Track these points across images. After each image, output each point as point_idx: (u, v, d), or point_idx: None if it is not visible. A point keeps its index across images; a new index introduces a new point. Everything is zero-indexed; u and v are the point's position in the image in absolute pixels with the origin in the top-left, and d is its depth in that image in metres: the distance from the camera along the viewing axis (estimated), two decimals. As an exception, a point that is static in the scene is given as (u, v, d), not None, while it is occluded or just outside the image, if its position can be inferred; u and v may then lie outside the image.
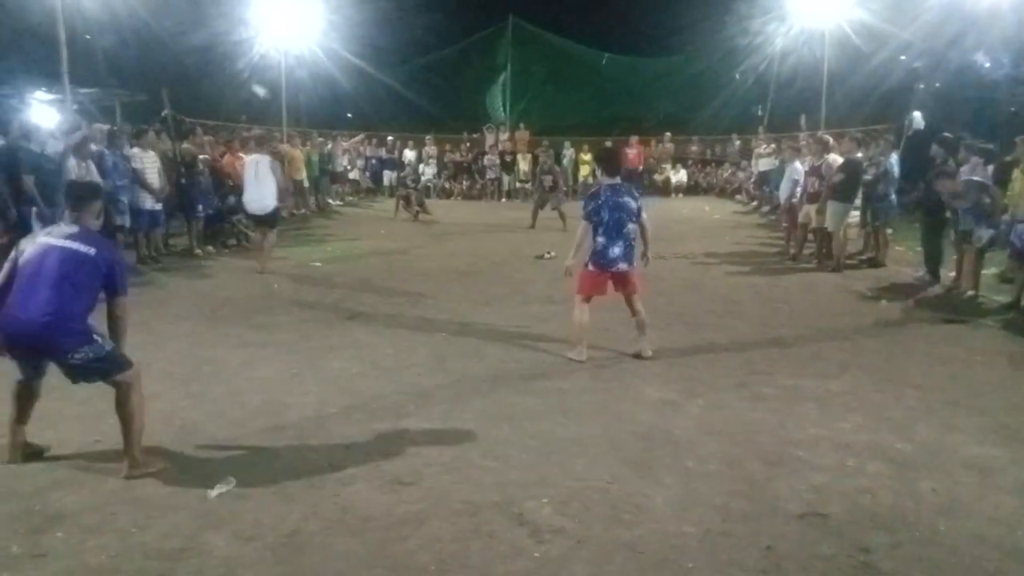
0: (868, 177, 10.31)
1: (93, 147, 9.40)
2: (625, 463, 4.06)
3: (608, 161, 6.36)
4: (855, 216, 10.62)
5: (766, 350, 6.34)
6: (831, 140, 11.00)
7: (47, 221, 8.20)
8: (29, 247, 3.86)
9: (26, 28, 14.89)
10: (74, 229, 3.91)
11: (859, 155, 10.71)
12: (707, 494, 3.71)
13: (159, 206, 10.20)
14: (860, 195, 10.34)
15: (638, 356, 5.97)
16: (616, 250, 5.80)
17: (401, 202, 16.41)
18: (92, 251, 3.82)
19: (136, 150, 10.04)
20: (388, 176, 22.01)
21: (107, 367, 3.86)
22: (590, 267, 5.88)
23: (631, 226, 5.86)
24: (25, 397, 3.97)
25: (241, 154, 12.08)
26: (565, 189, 18.19)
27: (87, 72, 16.30)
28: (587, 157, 21.70)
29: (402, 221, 15.77)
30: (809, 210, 10.60)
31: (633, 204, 5.90)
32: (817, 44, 19.45)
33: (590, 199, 5.95)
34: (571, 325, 6.02)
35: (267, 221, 9.85)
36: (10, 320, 3.72)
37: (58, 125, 11.02)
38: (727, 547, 3.25)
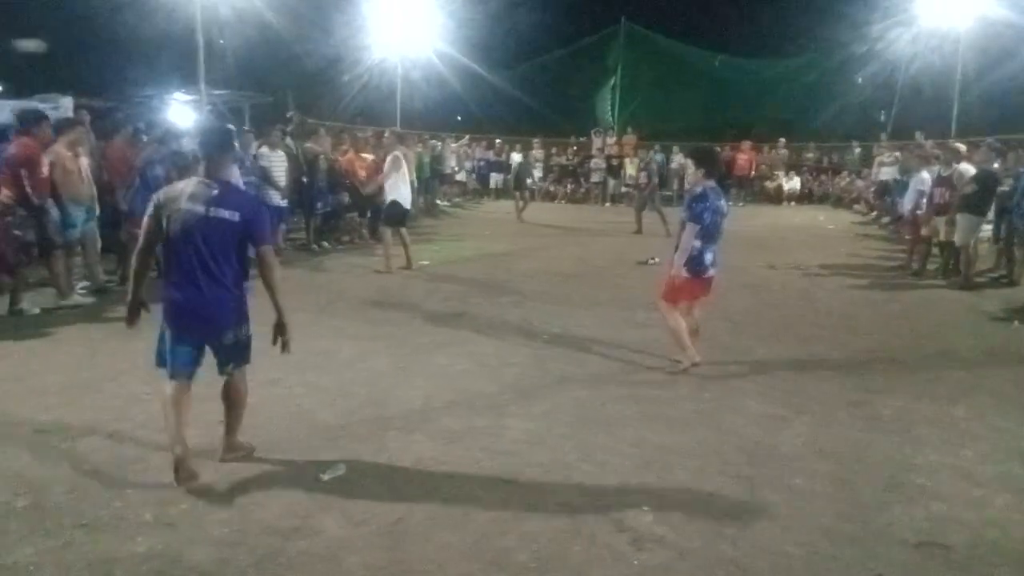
0: (1004, 189, 9.63)
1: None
2: (727, 476, 3.98)
3: (710, 161, 6.00)
4: (987, 230, 9.93)
5: (882, 369, 6.03)
6: (964, 148, 10.33)
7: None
8: (173, 212, 3.64)
9: (168, 33, 16.05)
10: (214, 191, 3.67)
11: (996, 166, 10.02)
12: (814, 514, 3.58)
13: (284, 202, 10.75)
14: (994, 209, 9.67)
15: (676, 361, 5.78)
16: (710, 255, 5.66)
17: (521, 203, 16.69)
18: (237, 216, 3.67)
19: (264, 149, 10.61)
20: (495, 178, 22.34)
21: (248, 351, 3.94)
22: (684, 273, 5.61)
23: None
24: (186, 401, 3.81)
25: (364, 155, 12.60)
26: (667, 193, 17.96)
27: (219, 75, 17.41)
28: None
29: (514, 223, 15.96)
30: (936, 222, 9.99)
31: (726, 207, 5.85)
32: (950, 46, 18.32)
33: (697, 200, 5.64)
34: (670, 333, 5.80)
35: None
36: (176, 298, 3.69)
37: (194, 124, 11.80)
38: (834, 570, 3.13)
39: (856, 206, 19.60)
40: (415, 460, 4.07)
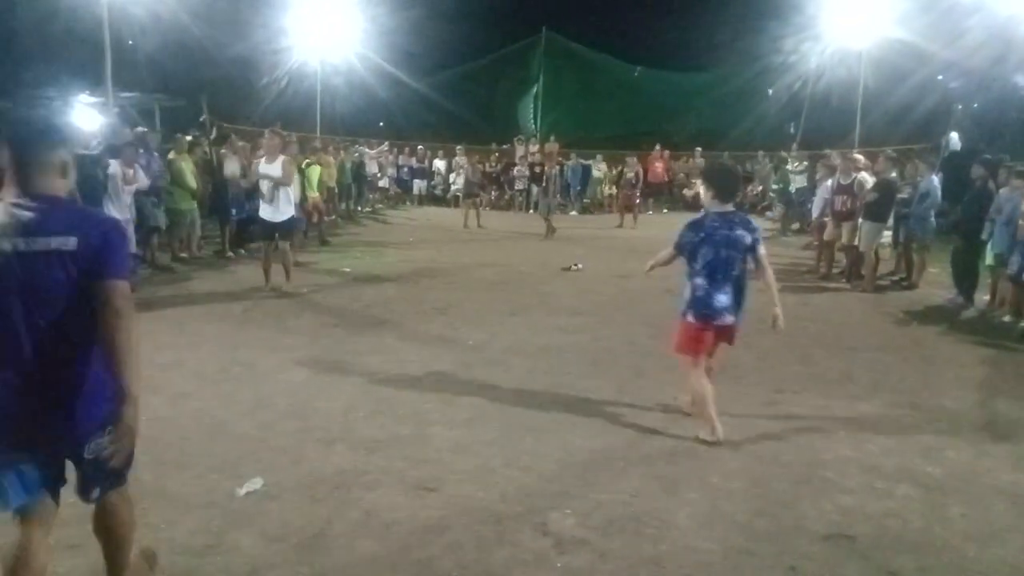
0: (903, 196, 10.19)
1: (140, 151, 9.70)
2: (649, 477, 4.05)
3: (722, 182, 4.80)
4: (887, 236, 10.50)
5: (794, 369, 6.28)
6: (862, 159, 10.90)
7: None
8: None
9: (73, 32, 15.33)
10: (29, 213, 2.36)
11: (893, 175, 10.61)
12: (731, 511, 3.69)
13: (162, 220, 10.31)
14: (893, 215, 10.23)
15: (702, 441, 4.61)
16: (723, 298, 4.57)
17: (471, 211, 16.72)
18: (72, 242, 2.37)
19: (172, 155, 10.28)
20: (417, 185, 22.23)
21: (125, 466, 2.62)
22: (690, 319, 4.65)
23: (743, 266, 4.67)
24: (42, 553, 2.50)
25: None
26: (562, 202, 18.49)
27: (129, 77, 16.74)
28: (614, 172, 21.72)
29: (438, 229, 15.90)
30: (838, 228, 10.51)
31: (747, 238, 4.60)
32: (853, 63, 19.31)
33: (690, 229, 4.70)
34: (692, 394, 4.78)
35: (281, 230, 8.63)
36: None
37: (100, 127, 11.29)
38: (751, 566, 3.23)
39: (768, 213, 20.35)
40: (336, 471, 3.99)
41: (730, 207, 4.76)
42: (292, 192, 8.86)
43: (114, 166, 8.90)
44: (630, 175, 18.19)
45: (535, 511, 3.63)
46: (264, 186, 8.46)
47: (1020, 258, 7.63)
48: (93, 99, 14.99)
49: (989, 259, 8.50)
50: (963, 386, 5.89)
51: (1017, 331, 7.58)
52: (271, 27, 19.80)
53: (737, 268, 4.63)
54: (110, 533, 2.73)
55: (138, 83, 17.41)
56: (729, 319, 4.67)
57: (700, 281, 4.62)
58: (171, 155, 10.42)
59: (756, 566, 3.23)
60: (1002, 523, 3.64)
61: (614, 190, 22.02)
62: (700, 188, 4.91)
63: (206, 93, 13.24)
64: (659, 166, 21.76)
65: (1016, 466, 4.32)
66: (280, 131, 9.25)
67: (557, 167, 16.37)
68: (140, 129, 11.55)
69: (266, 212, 8.52)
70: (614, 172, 21.60)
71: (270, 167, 8.41)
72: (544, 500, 3.75)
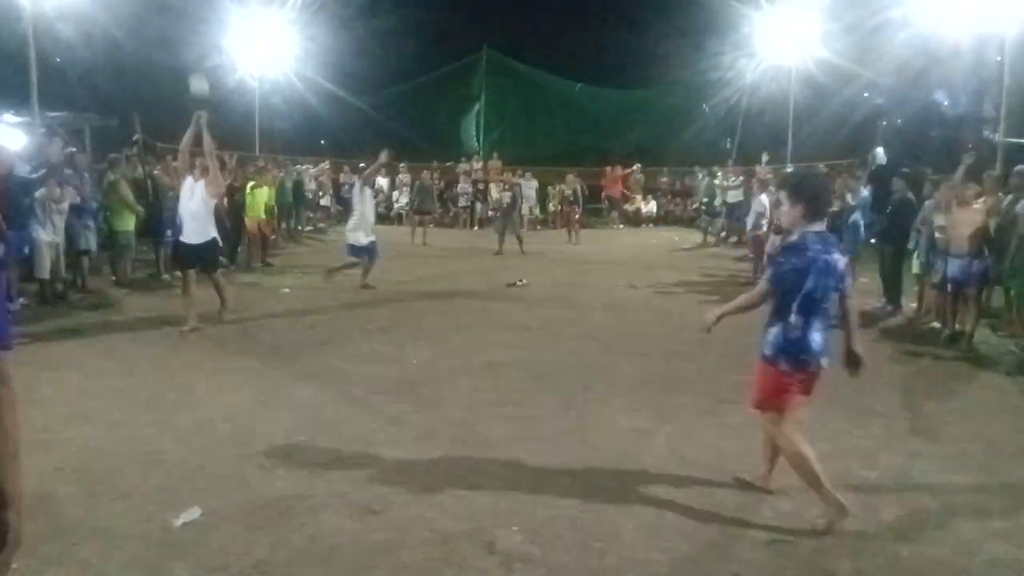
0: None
1: (67, 170, 9.37)
2: (596, 491, 4.07)
3: (815, 194, 3.90)
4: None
5: (733, 379, 6.38)
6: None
7: (11, 246, 8.10)
8: None
9: (-5, 49, 14.77)
10: None
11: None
12: (676, 521, 3.74)
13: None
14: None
15: (765, 487, 4.10)
16: (818, 337, 3.80)
17: (419, 228, 16.82)
18: None
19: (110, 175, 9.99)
20: (361, 203, 22.06)
21: None
22: (783, 366, 3.83)
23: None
24: None
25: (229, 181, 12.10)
26: (525, 215, 18.66)
27: (57, 95, 16.20)
28: (556, 188, 21.98)
29: (415, 246, 15.85)
30: (775, 240, 10.81)
31: (840, 263, 3.83)
32: (784, 80, 20.01)
33: (793, 255, 3.80)
34: (792, 466, 3.87)
35: (204, 258, 7.87)
36: None
37: (24, 147, 10.88)
38: (696, 573, 3.27)
39: (711, 229, 20.84)
40: (277, 497, 3.89)
41: (823, 226, 3.89)
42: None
43: (38, 186, 8.58)
44: (568, 192, 18.40)
45: (482, 529, 3.61)
46: (187, 207, 7.69)
47: (941, 266, 7.96)
48: (18, 119, 14.44)
49: (916, 268, 8.86)
50: (894, 391, 6.11)
51: (943, 337, 7.90)
52: (206, 45, 19.45)
53: (831, 300, 3.82)
54: None
55: (67, 102, 16.85)
56: (824, 362, 3.86)
57: (796, 319, 3.78)
58: (110, 175, 10.10)
59: (701, 573, 3.28)
60: (934, 523, 3.78)
61: (559, 207, 22.29)
62: (784, 204, 4.03)
63: (139, 111, 12.84)
64: (615, 182, 22.32)
65: (946, 467, 4.49)
66: (209, 147, 7.89)
67: (515, 188, 16.37)
68: (69, 149, 11.17)
69: (187, 235, 7.71)
70: (557, 188, 21.85)
71: (196, 184, 7.71)
72: (491, 518, 3.73)
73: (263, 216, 12.71)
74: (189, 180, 7.83)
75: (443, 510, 3.81)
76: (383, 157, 11.51)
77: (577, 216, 18.38)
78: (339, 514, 3.73)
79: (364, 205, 10.58)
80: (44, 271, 8.68)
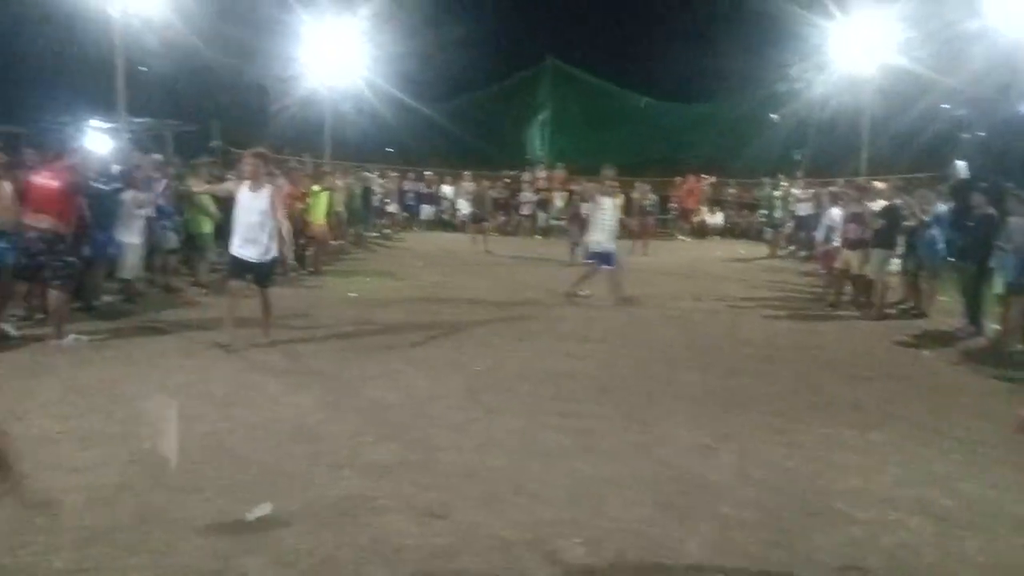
0: (910, 224, 10.20)
1: (151, 175, 9.81)
2: (658, 506, 4.02)
3: None
4: (896, 264, 10.49)
5: (804, 397, 6.24)
6: (881, 185, 10.94)
7: (97, 247, 8.50)
8: None
9: (86, 58, 15.56)
10: None
11: (898, 202, 10.63)
12: (742, 542, 3.65)
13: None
14: (903, 243, 10.24)
15: None
16: None
17: (479, 235, 16.90)
18: None
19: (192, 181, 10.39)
20: (425, 210, 22.36)
21: None
22: None
23: None
24: None
25: (301, 187, 12.48)
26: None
27: (141, 102, 16.95)
28: (618, 198, 21.82)
29: (445, 254, 15.96)
30: (849, 256, 10.50)
31: None
32: (859, 90, 19.43)
33: None
34: None
35: (260, 274, 7.21)
36: None
37: (111, 153, 11.41)
38: (763, 597, 3.19)
39: (775, 241, 20.38)
40: (344, 496, 3.97)
41: None
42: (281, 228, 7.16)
43: (123, 190, 8.99)
44: (646, 202, 18.11)
45: (544, 539, 3.60)
46: (245, 219, 6.98)
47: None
48: (105, 124, 15.16)
49: (999, 287, 8.47)
50: (975, 415, 5.84)
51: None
52: (282, 54, 20.07)
53: None
54: None
55: (150, 109, 17.62)
56: None
57: None
58: (189, 180, 10.52)
59: (768, 597, 3.20)
60: (1018, 557, 3.59)
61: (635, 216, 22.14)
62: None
63: (218, 119, 13.34)
64: (690, 193, 22.12)
65: (1030, 498, 4.27)
66: (263, 152, 7.51)
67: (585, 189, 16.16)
68: (156, 156, 11.68)
69: (247, 250, 6.99)
70: (634, 198, 21.74)
71: (255, 197, 6.97)
72: (553, 528, 3.72)
73: (323, 221, 12.94)
74: (245, 190, 7.05)
75: (505, 518, 3.81)
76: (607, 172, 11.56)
77: (650, 227, 18.14)
78: (402, 516, 3.78)
79: (603, 213, 10.42)
80: (127, 271, 9.08)
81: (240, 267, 7.11)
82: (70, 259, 7.09)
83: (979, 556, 3.58)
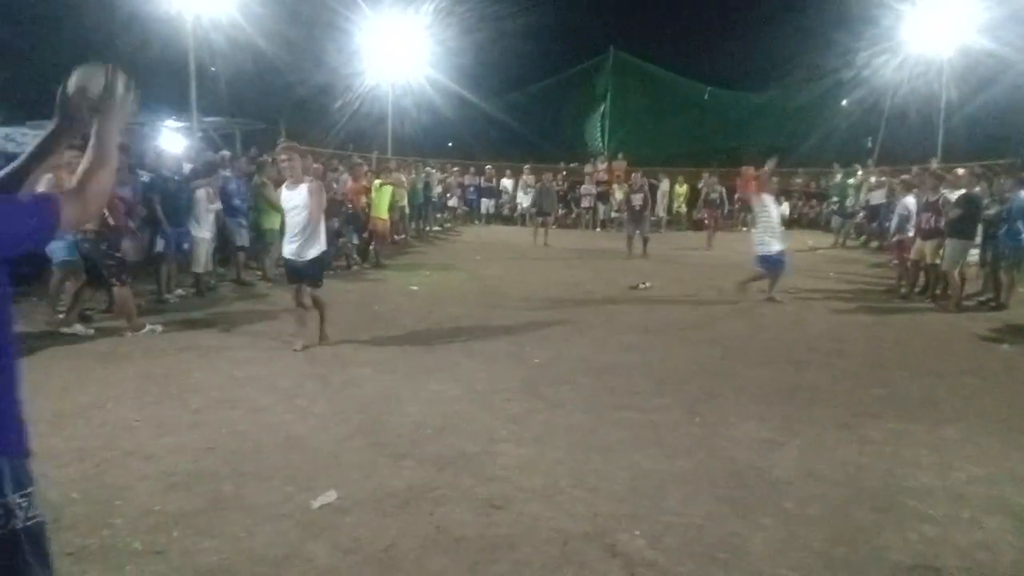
0: (990, 213, 9.75)
1: (224, 173, 10.16)
2: (720, 501, 3.97)
3: None
4: (975, 255, 10.05)
5: (873, 392, 6.05)
6: (962, 172, 10.50)
7: (170, 242, 8.85)
8: None
9: (159, 59, 16.16)
10: None
11: (977, 190, 10.17)
12: (807, 538, 3.57)
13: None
14: (981, 232, 9.81)
15: None
16: None
17: (540, 229, 16.93)
18: None
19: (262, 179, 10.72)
20: (485, 204, 22.49)
21: None
22: None
23: None
24: None
25: (364, 182, 12.75)
26: (655, 218, 18.26)
27: (211, 102, 17.53)
28: (682, 188, 21.54)
29: (505, 247, 16.04)
30: (923, 246, 10.11)
31: None
32: (934, 74, 18.66)
33: None
34: None
35: (307, 275, 6.95)
36: None
37: (185, 151, 11.85)
38: (828, 595, 3.12)
39: (843, 231, 19.77)
40: (406, 486, 4.04)
41: None
42: (322, 226, 6.91)
43: (196, 187, 9.33)
44: (714, 195, 17.78)
45: (603, 532, 3.59)
46: (288, 218, 6.84)
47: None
48: (178, 124, 15.73)
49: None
50: (1058, 412, 5.57)
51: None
52: (344, 51, 20.44)
53: None
54: None
55: (219, 108, 18.21)
56: None
57: None
58: (257, 177, 10.85)
59: (834, 596, 3.13)
60: (1104, 560, 3.42)
61: (683, 208, 21.82)
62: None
63: (284, 117, 13.71)
64: (749, 181, 21.50)
65: (1119, 499, 4.05)
66: (295, 146, 7.23)
67: (640, 179, 15.92)
68: (225, 153, 12.07)
69: (290, 250, 6.81)
70: (681, 188, 21.44)
71: (293, 194, 6.70)
72: (612, 521, 3.71)
73: (385, 215, 13.13)
74: (283, 190, 6.84)
75: (564, 510, 3.83)
76: (770, 164, 11.18)
77: (718, 219, 17.82)
78: (463, 507, 3.83)
79: (767, 212, 9.98)
80: (199, 265, 9.44)
81: (289, 269, 7.03)
82: (117, 255, 7.34)
83: (1061, 559, 3.42)
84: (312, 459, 4.39)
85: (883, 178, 16.64)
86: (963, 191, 10.00)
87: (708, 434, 4.99)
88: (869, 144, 22.04)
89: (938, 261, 9.92)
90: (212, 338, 7.34)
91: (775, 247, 9.81)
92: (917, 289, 10.54)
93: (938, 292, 10.05)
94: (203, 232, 9.38)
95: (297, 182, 6.69)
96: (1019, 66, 17.06)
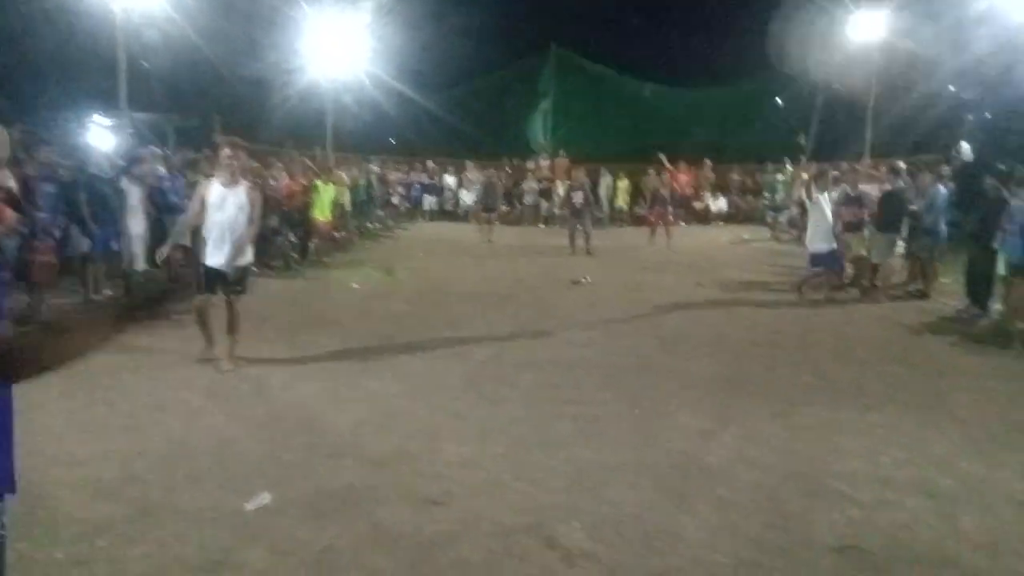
0: (914, 207, 10.15)
1: (158, 169, 9.84)
2: (658, 490, 4.03)
3: None
4: (901, 247, 10.48)
5: (804, 380, 6.24)
6: (872, 170, 10.94)
7: (97, 241, 8.55)
8: None
9: (88, 54, 15.56)
10: None
11: (900, 184, 10.60)
12: (741, 524, 3.66)
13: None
14: (907, 226, 10.22)
15: None
16: None
17: (486, 226, 16.85)
18: None
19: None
20: (428, 200, 22.38)
21: None
22: None
23: None
24: None
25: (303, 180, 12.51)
26: (599, 215, 18.40)
27: (143, 97, 16.96)
28: (623, 184, 21.79)
29: (447, 244, 15.97)
30: (848, 239, 10.49)
31: None
32: (863, 73, 19.30)
33: None
34: None
35: (232, 284, 6.27)
36: None
37: (114, 148, 11.44)
38: (760, 579, 3.20)
39: (777, 225, 20.32)
40: (345, 486, 3.99)
41: None
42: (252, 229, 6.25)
43: (126, 183, 9.02)
44: (664, 191, 17.82)
45: (544, 525, 3.61)
46: (217, 219, 6.04)
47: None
48: (107, 120, 15.18)
49: (1002, 268, 8.43)
50: (975, 396, 5.83)
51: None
52: (282, 47, 20.01)
53: None
54: None
55: (151, 104, 17.63)
56: None
57: None
58: (190, 175, 10.55)
59: (766, 579, 3.21)
60: (1013, 534, 3.59)
61: (626, 204, 22.06)
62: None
63: (219, 113, 13.36)
64: (683, 179, 21.87)
65: (1031, 477, 4.27)
66: (241, 142, 6.58)
67: (582, 177, 15.96)
68: (155, 148, 11.70)
69: (219, 255, 6.07)
70: (622, 184, 21.71)
71: (229, 193, 6.05)
72: (553, 514, 3.73)
73: (328, 215, 12.93)
74: (216, 187, 6.12)
75: (505, 504, 3.83)
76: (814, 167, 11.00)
77: (666, 216, 17.90)
78: (403, 505, 3.80)
79: (819, 211, 9.86)
80: (137, 262, 9.13)
81: (211, 275, 6.15)
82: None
83: (975, 534, 3.58)
84: (247, 461, 4.30)
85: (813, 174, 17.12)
86: (887, 187, 10.41)
87: (648, 425, 5.06)
88: (802, 141, 22.65)
89: (863, 252, 10.31)
90: (143, 339, 7.10)
91: (830, 245, 9.76)
92: (846, 280, 10.90)
93: (865, 283, 10.42)
94: (137, 228, 9.09)
95: (235, 182, 6.12)
96: (940, 68, 17.80)
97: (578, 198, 15.22)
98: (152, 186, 9.55)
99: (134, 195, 9.05)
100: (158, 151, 11.48)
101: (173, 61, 18.04)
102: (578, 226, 15.02)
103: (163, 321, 7.90)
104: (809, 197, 10.13)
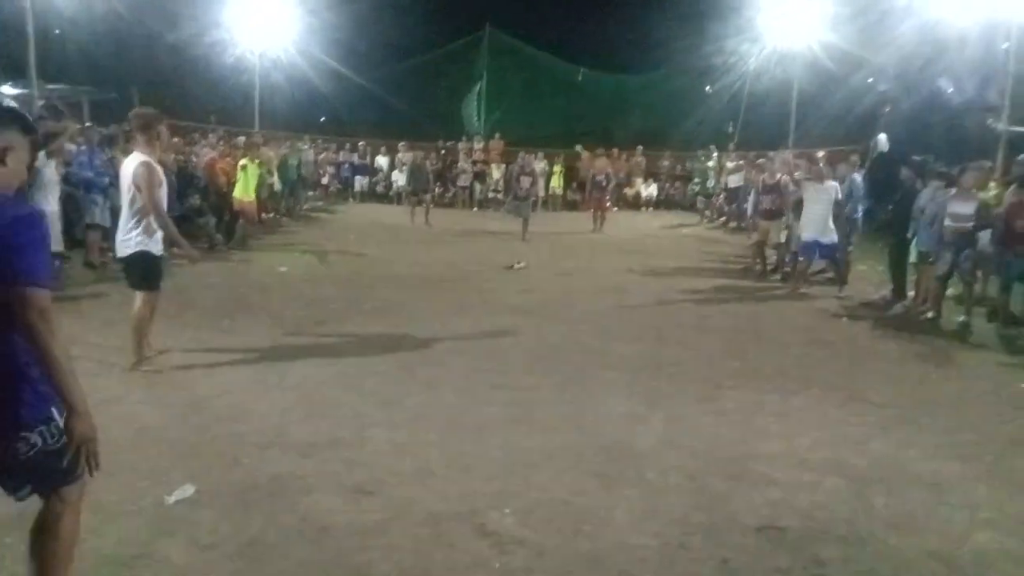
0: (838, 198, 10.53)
1: (70, 146, 9.32)
2: (588, 475, 4.09)
3: None
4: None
5: (730, 365, 6.42)
6: (788, 160, 11.35)
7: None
8: None
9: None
10: None
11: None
12: (667, 507, 3.75)
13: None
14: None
15: None
16: None
17: (418, 208, 16.49)
18: None
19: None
20: (359, 181, 21.99)
21: (65, 463, 2.50)
22: None
23: None
24: None
25: (229, 158, 12.07)
26: (534, 199, 18.39)
27: (56, 68, 16.08)
28: (557, 169, 21.86)
29: (380, 227, 15.74)
30: (767, 227, 10.84)
31: None
32: (789, 65, 19.87)
33: None
34: None
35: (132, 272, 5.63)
36: None
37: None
38: (685, 560, 3.29)
39: (707, 212, 20.82)
40: (270, 476, 3.91)
41: None
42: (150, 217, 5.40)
43: (42, 159, 8.54)
44: (600, 177, 17.86)
45: (474, 512, 3.62)
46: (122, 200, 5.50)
47: (950, 257, 7.96)
48: (15, 91, 14.35)
49: (913, 256, 8.85)
50: (888, 379, 6.12)
51: (958, 326, 7.90)
52: (207, 19, 19.26)
53: None
54: (44, 547, 2.59)
55: (65, 75, 16.73)
56: None
57: None
58: (108, 151, 10.06)
59: (690, 559, 3.29)
60: (921, 511, 3.79)
61: (559, 189, 22.15)
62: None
63: (138, 86, 12.77)
64: (602, 163, 21.95)
65: (935, 455, 4.51)
66: (149, 112, 5.77)
67: (534, 170, 15.89)
68: (68, 123, 11.12)
69: (117, 240, 5.57)
70: (557, 169, 21.80)
71: (124, 169, 5.50)
72: (484, 500, 3.74)
73: (252, 195, 12.43)
74: (125, 162, 5.52)
75: (436, 492, 3.82)
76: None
77: (608, 202, 17.93)
78: (332, 494, 3.75)
79: (824, 200, 9.42)
80: (55, 244, 8.66)
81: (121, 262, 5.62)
82: None
83: (886, 511, 3.76)
84: (168, 451, 4.16)
85: (740, 162, 17.60)
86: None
87: (578, 410, 5.12)
88: (730, 129, 23.19)
89: (783, 240, 10.67)
90: (57, 323, 6.78)
91: (825, 238, 9.48)
92: (770, 267, 11.25)
93: (786, 271, 10.77)
94: (48, 206, 8.62)
95: (129, 155, 5.45)
96: (864, 61, 18.46)
97: (525, 183, 15.23)
98: (66, 162, 9.07)
99: (47, 172, 8.57)
100: (70, 124, 10.92)
101: (90, 31, 17.14)
102: (520, 210, 15.02)
103: (79, 305, 7.58)
104: (798, 185, 10.07)
